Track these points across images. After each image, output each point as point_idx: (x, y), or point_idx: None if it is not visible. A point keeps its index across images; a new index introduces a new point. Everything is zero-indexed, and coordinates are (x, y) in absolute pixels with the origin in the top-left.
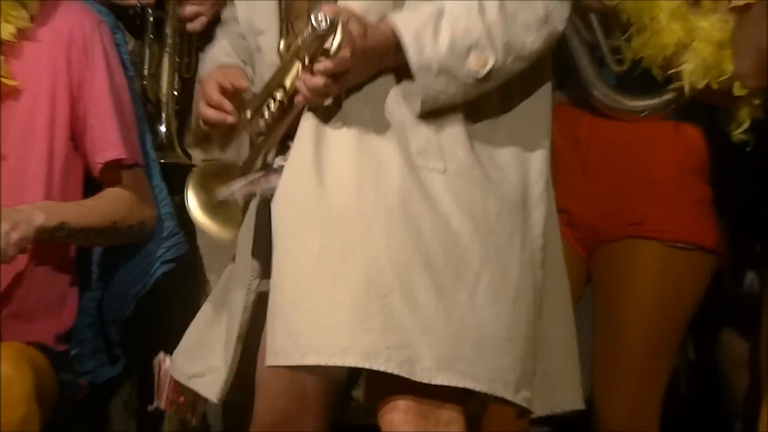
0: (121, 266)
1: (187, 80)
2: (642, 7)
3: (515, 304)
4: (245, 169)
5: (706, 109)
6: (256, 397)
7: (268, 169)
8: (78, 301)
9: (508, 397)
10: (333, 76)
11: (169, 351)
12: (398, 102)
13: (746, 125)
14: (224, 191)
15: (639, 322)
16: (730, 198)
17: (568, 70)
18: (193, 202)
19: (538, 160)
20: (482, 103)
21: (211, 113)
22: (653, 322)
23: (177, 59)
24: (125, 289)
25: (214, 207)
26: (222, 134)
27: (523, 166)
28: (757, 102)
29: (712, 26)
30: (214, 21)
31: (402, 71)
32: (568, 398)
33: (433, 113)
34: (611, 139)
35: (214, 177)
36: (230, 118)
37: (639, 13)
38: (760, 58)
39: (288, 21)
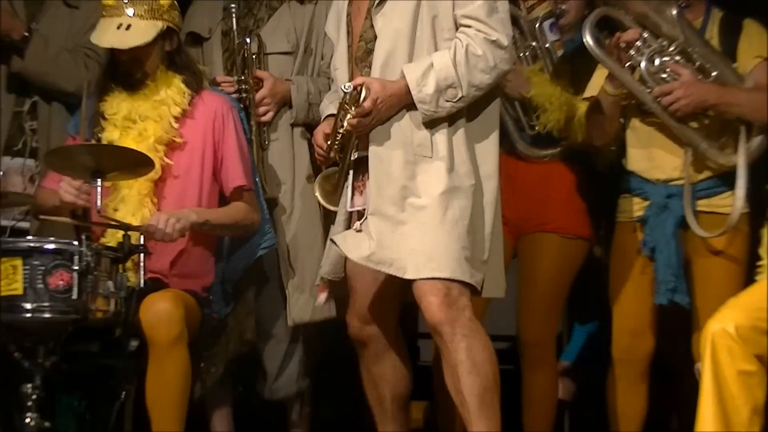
0: (237, 249)
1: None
2: (544, 97)
3: (468, 232)
4: (340, 174)
5: (584, 154)
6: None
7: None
8: (215, 268)
9: (466, 279)
10: (363, 117)
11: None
12: (408, 119)
13: (607, 163)
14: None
15: (544, 282)
16: (599, 204)
17: (504, 132)
18: (318, 191)
19: (490, 153)
20: (455, 116)
21: (320, 152)
22: (552, 282)
23: (258, 136)
24: (238, 263)
25: (327, 193)
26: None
27: (478, 161)
28: (613, 149)
29: (584, 106)
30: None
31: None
32: (499, 288)
33: (425, 124)
34: (528, 173)
35: (326, 178)
36: (331, 153)
37: (543, 100)
38: (603, 130)
39: (353, 62)
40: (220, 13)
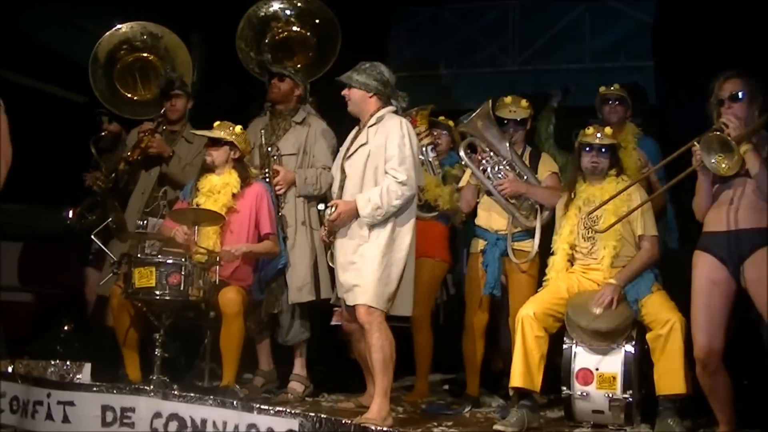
0: (267, 265)
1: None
2: (428, 186)
3: (387, 269)
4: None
5: (447, 216)
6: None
7: None
8: (254, 275)
9: (381, 307)
10: (333, 223)
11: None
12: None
13: (459, 221)
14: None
15: (425, 280)
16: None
17: None
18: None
19: (406, 232)
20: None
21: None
22: (430, 280)
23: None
24: (265, 275)
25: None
26: None
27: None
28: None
29: (450, 191)
30: None
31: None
32: (406, 308)
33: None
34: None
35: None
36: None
37: (427, 189)
38: (467, 203)
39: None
40: (259, 132)
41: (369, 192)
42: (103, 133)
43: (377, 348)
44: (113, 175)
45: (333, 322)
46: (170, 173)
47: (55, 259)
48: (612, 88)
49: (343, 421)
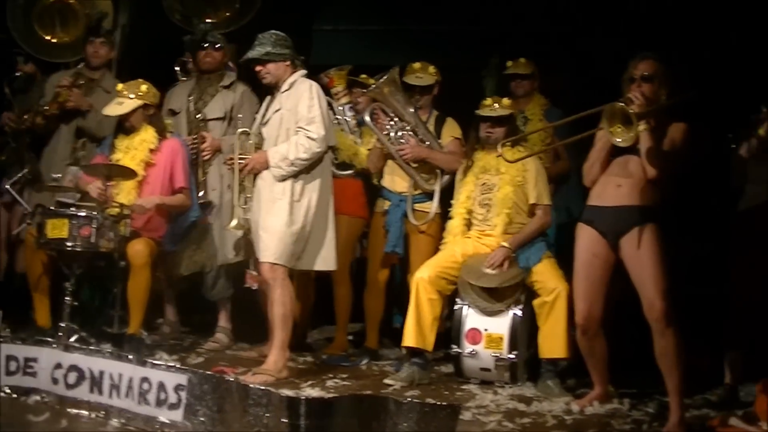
0: (178, 218)
1: None
2: (343, 146)
3: (292, 226)
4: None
5: (364, 174)
6: None
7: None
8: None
9: (284, 263)
10: (245, 169)
11: None
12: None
13: (375, 180)
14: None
15: (343, 240)
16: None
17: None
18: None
19: (315, 188)
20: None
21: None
22: (345, 242)
23: (203, 167)
24: (178, 227)
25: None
26: None
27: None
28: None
29: (364, 150)
30: None
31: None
32: (329, 263)
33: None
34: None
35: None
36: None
37: (343, 148)
38: (374, 164)
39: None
40: (186, 97)
41: (280, 146)
42: (17, 74)
43: (279, 303)
44: (25, 117)
45: (246, 285)
46: (86, 127)
47: None
48: (519, 62)
49: (226, 378)
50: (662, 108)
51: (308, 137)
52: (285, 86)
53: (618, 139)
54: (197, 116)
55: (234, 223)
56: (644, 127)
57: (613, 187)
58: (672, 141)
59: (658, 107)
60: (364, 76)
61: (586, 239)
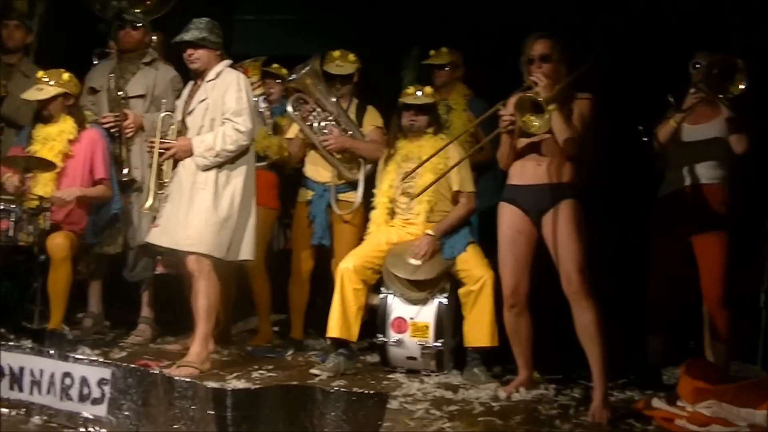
0: (100, 209)
1: None
2: (258, 136)
3: (215, 217)
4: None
5: (279, 166)
6: None
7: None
8: (87, 218)
9: (210, 254)
10: (167, 154)
11: None
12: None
13: (290, 170)
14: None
15: (260, 224)
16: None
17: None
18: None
19: (239, 179)
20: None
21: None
22: (259, 233)
23: (126, 145)
24: (100, 219)
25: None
26: None
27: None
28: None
29: (278, 142)
30: None
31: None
32: (249, 253)
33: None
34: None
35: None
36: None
37: (258, 138)
38: (294, 156)
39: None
40: (107, 75)
41: (206, 135)
42: None
43: (204, 295)
44: None
45: (157, 271)
46: (4, 115)
47: None
48: (440, 51)
49: (151, 371)
50: (566, 86)
51: (236, 129)
52: (211, 75)
53: (534, 125)
54: (119, 93)
55: (149, 203)
56: (552, 107)
57: (532, 166)
58: (581, 115)
59: (562, 86)
60: (276, 66)
61: (510, 216)
